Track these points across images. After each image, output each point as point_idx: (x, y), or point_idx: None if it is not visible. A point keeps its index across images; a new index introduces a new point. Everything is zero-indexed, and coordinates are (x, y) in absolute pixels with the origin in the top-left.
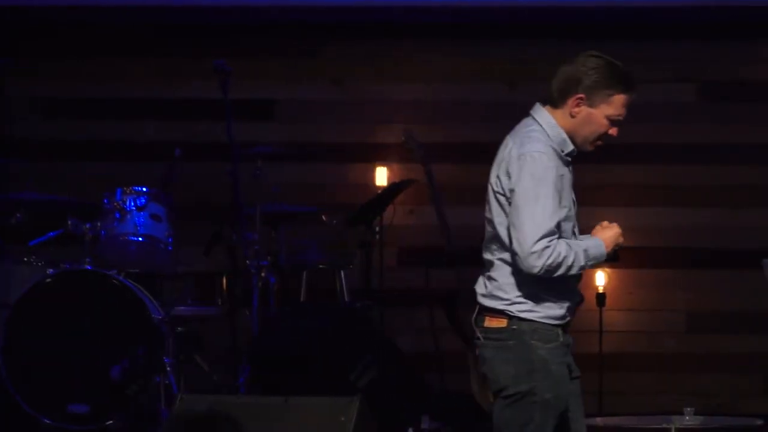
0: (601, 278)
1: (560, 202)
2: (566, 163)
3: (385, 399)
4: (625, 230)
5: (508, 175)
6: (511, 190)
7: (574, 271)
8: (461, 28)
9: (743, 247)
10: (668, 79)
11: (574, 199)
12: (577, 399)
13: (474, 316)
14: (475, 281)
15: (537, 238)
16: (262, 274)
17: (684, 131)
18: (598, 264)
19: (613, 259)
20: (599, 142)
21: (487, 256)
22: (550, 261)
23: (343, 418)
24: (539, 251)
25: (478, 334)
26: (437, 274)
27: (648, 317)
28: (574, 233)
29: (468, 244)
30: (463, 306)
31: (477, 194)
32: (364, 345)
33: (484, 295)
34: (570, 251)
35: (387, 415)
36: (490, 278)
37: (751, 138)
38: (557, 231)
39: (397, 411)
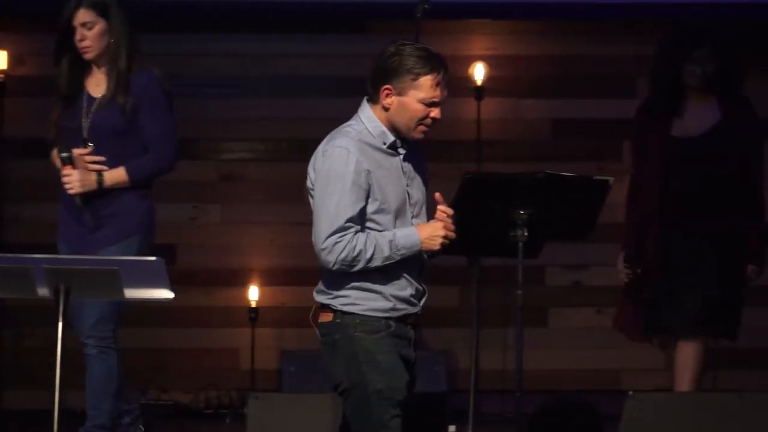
0: None
1: (368, 196)
2: (390, 155)
3: None
4: None
5: (315, 171)
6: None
7: (377, 263)
8: None
9: None
10: None
11: (408, 188)
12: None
13: (311, 313)
14: None
15: (327, 234)
16: None
17: None
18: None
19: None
20: (423, 127)
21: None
22: (343, 255)
23: None
24: (330, 247)
25: (317, 332)
26: None
27: None
28: (412, 222)
29: None
30: None
31: None
32: None
33: (316, 291)
34: (369, 244)
35: None
36: (321, 274)
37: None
38: (354, 225)
39: None
